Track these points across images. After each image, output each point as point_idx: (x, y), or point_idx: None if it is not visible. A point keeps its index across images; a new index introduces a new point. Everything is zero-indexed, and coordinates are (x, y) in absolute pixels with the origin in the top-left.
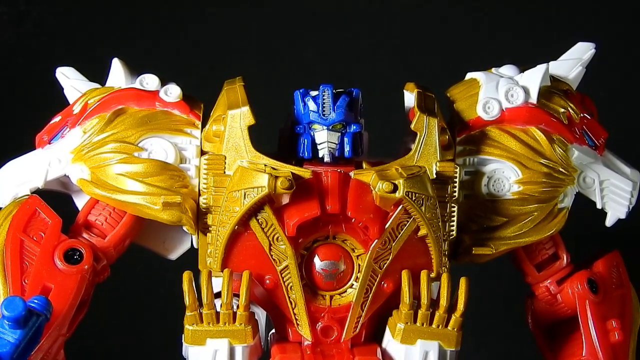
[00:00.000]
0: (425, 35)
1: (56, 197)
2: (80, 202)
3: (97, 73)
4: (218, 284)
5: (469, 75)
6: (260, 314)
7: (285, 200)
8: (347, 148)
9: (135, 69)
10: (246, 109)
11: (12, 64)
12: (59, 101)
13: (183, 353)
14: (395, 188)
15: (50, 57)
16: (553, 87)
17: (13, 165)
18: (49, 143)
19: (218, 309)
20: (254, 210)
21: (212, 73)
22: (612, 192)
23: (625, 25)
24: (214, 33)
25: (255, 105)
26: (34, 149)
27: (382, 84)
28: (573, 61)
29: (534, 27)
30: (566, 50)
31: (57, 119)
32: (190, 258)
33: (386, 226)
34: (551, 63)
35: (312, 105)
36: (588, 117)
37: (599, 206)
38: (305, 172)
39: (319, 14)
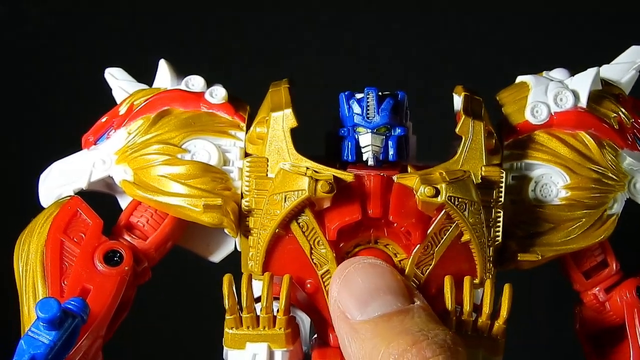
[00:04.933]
0: (480, 37)
1: (100, 197)
2: (124, 203)
3: (96, 73)
4: (260, 287)
5: (519, 79)
6: (305, 318)
7: (326, 203)
8: (391, 151)
9: (181, 70)
10: (289, 112)
11: (12, 64)
12: (58, 101)
13: (224, 356)
14: (437, 192)
15: (50, 57)
16: (604, 91)
17: (58, 165)
18: (95, 144)
19: (259, 312)
20: (295, 214)
21: (211, 74)
22: None
23: None
24: (215, 34)
25: (300, 107)
26: (69, 149)
27: (434, 87)
28: (626, 65)
29: (590, 30)
30: (620, 54)
31: (103, 119)
32: (232, 260)
33: (428, 231)
34: (603, 67)
35: (356, 108)
36: None
37: None
38: (347, 176)
39: (357, 14)
